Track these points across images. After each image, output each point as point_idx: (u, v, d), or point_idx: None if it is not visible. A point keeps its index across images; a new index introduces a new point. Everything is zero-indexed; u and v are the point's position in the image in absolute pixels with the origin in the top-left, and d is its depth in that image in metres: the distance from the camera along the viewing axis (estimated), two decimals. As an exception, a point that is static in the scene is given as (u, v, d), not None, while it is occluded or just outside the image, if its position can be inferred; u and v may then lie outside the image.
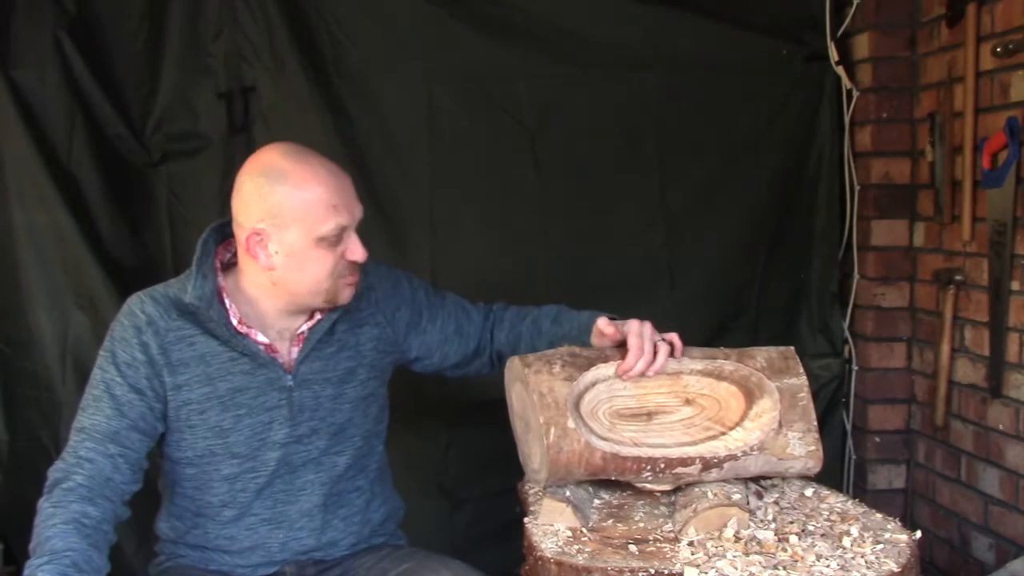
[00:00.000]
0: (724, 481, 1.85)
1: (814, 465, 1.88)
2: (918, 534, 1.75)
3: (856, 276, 2.93)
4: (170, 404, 1.84)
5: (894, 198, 2.87)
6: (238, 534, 1.92)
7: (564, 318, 2.07)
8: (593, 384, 1.81)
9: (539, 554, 1.69)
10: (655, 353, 1.80)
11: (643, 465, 1.79)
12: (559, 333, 2.04)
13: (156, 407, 1.83)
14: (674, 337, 1.86)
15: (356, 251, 1.83)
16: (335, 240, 1.80)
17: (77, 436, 1.79)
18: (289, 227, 1.78)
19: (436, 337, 2.09)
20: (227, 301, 1.86)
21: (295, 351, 1.91)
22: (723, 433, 1.83)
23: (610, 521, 1.84)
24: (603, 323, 1.88)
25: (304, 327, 1.91)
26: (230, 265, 1.91)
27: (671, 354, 1.83)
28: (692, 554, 1.66)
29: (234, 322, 1.85)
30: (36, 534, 1.66)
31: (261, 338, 1.88)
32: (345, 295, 1.86)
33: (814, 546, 1.69)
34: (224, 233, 1.91)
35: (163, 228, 2.70)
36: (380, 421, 2.05)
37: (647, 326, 1.84)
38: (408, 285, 2.09)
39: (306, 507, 1.94)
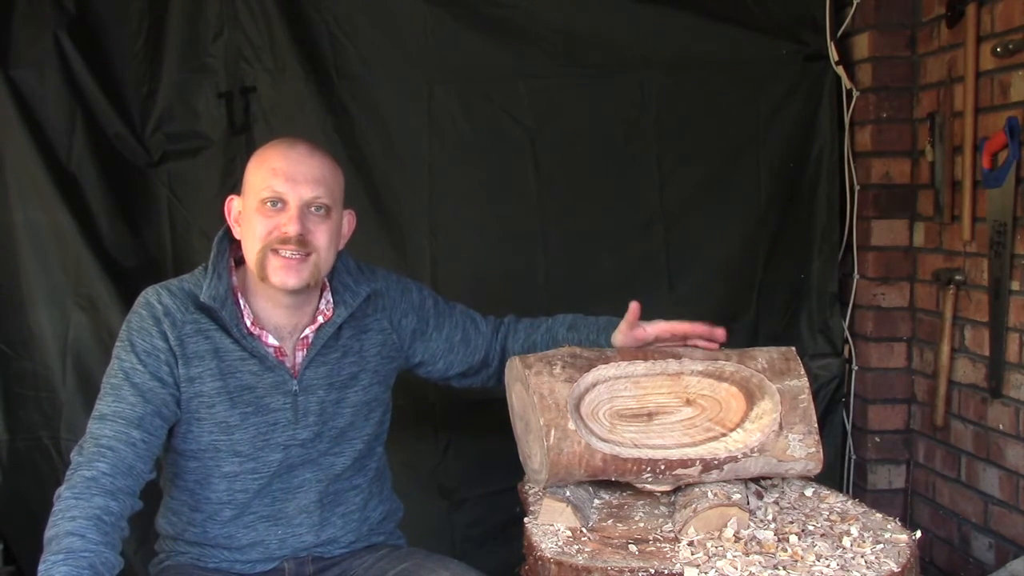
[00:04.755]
0: (724, 481, 1.85)
1: (815, 467, 1.88)
2: (918, 534, 1.75)
3: (856, 276, 2.93)
4: (182, 395, 1.85)
5: (894, 198, 2.87)
6: (237, 532, 1.92)
7: (580, 324, 2.09)
8: (594, 385, 1.81)
9: (539, 554, 1.69)
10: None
11: (643, 466, 1.79)
12: (575, 339, 2.05)
13: (175, 395, 1.84)
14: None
15: (289, 224, 1.81)
16: (273, 205, 1.82)
17: (98, 423, 1.76)
18: (246, 192, 1.86)
19: (441, 345, 2.10)
20: (241, 301, 1.88)
21: (300, 355, 1.92)
22: (724, 434, 1.83)
23: (610, 521, 1.84)
24: (656, 328, 1.96)
25: (308, 331, 1.92)
26: (242, 262, 1.92)
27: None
28: (692, 554, 1.66)
29: (247, 323, 1.87)
30: (54, 523, 1.63)
31: (272, 341, 1.89)
32: (277, 276, 1.82)
33: (814, 546, 1.69)
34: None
35: (163, 228, 2.70)
36: (381, 424, 2.06)
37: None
38: (417, 293, 2.10)
39: (303, 503, 1.94)
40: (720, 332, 1.95)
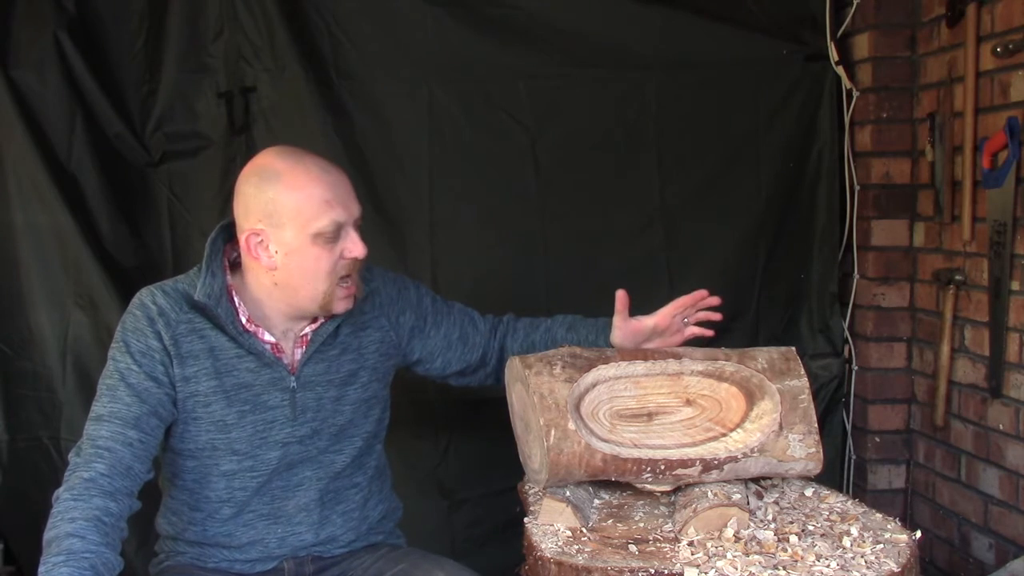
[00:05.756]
0: (724, 481, 1.85)
1: (814, 467, 1.88)
2: (918, 534, 1.75)
3: (856, 276, 2.93)
4: (178, 394, 1.85)
5: (894, 198, 2.87)
6: (236, 530, 1.92)
7: (579, 325, 2.10)
8: (594, 385, 1.81)
9: (539, 554, 1.69)
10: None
11: (643, 466, 1.79)
12: (574, 340, 2.06)
13: (170, 394, 1.84)
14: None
15: (355, 248, 1.83)
16: (332, 237, 1.80)
17: (94, 424, 1.76)
18: (285, 226, 1.79)
19: (439, 343, 2.10)
20: (236, 299, 1.87)
21: (299, 352, 1.92)
22: (724, 434, 1.83)
23: (610, 521, 1.84)
24: (655, 319, 2.01)
25: (308, 329, 1.92)
26: (237, 264, 1.92)
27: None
28: (692, 554, 1.66)
29: (243, 320, 1.87)
30: (54, 524, 1.63)
31: (268, 337, 1.89)
32: (340, 305, 1.86)
33: (814, 546, 1.69)
34: (231, 232, 1.91)
35: (163, 228, 2.70)
36: (380, 422, 2.06)
37: None
38: (415, 291, 2.10)
39: (303, 502, 1.94)
40: (714, 300, 2.02)
